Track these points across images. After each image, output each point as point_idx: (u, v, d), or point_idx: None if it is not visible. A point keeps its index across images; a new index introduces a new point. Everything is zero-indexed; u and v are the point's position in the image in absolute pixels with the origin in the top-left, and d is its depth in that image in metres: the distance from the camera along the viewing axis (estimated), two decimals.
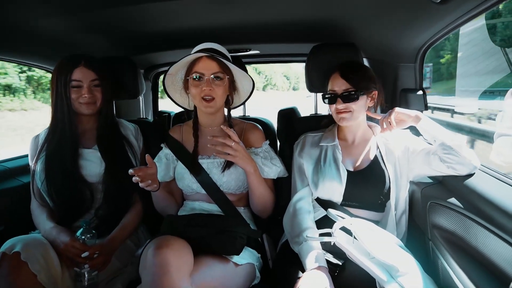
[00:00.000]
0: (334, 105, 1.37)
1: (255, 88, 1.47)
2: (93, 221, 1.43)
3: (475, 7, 1.09)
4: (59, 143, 1.43)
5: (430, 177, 1.36)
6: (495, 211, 0.95)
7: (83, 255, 1.25)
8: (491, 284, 0.92)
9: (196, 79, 1.34)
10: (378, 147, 1.42)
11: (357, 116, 1.37)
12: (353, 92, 1.34)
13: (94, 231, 1.31)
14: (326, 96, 1.39)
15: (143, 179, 1.21)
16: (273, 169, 1.44)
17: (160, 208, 1.49)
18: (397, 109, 1.33)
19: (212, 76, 1.33)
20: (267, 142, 1.50)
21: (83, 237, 1.28)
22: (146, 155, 1.27)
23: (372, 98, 1.41)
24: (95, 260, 1.28)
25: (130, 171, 1.18)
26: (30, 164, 1.50)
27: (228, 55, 1.43)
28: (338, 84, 1.36)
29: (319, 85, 1.65)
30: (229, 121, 1.48)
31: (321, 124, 1.57)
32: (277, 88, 28.56)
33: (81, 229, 1.29)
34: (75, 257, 1.26)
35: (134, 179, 1.19)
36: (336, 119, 1.40)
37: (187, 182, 1.43)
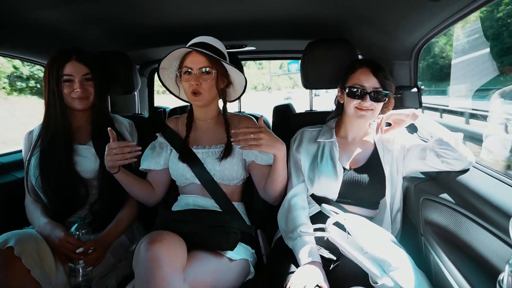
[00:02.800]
0: (358, 101, 1.33)
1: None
2: (87, 217, 1.43)
3: (469, 4, 1.10)
4: (53, 139, 1.42)
5: (423, 173, 1.37)
6: (486, 206, 0.96)
7: (78, 250, 1.25)
8: (481, 278, 0.93)
9: (185, 73, 1.35)
10: (375, 145, 1.42)
11: (375, 115, 1.36)
12: (383, 93, 1.32)
13: (89, 227, 1.31)
14: (353, 90, 1.34)
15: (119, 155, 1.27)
16: (270, 155, 1.40)
17: (136, 196, 1.48)
18: (390, 112, 1.34)
19: (199, 70, 1.33)
20: None
21: (78, 232, 1.28)
22: (108, 128, 1.31)
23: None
24: (90, 255, 1.28)
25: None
26: (24, 160, 1.49)
27: (223, 47, 1.43)
28: (369, 81, 1.33)
29: (315, 82, 1.66)
30: (224, 114, 1.48)
31: (327, 119, 1.54)
32: (299, 87, 42.47)
33: (76, 224, 1.29)
34: (70, 252, 1.25)
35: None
36: (354, 115, 1.36)
37: (181, 170, 1.42)
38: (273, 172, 1.34)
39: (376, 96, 1.32)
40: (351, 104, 1.35)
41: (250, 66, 36.18)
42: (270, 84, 37.65)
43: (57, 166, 1.41)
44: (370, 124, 1.46)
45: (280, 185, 1.38)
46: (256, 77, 40.15)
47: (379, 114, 1.39)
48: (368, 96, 1.32)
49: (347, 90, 1.36)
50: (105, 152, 1.28)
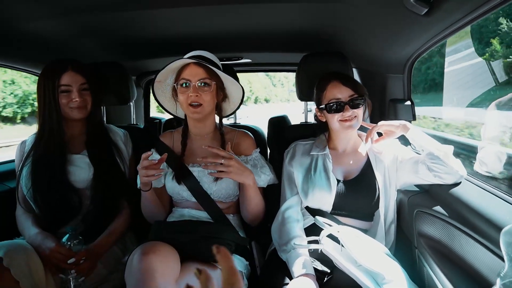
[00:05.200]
0: (340, 113, 1.34)
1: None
2: (79, 227, 1.41)
3: (460, 19, 1.11)
4: (47, 149, 1.41)
5: (417, 186, 1.37)
6: (478, 219, 0.97)
7: (69, 261, 1.23)
8: None
9: (183, 86, 1.34)
10: (368, 156, 1.43)
11: (360, 121, 1.37)
12: (360, 98, 1.34)
13: (80, 237, 1.29)
14: (331, 105, 1.35)
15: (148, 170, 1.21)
16: (262, 177, 1.42)
17: (148, 214, 1.45)
18: (380, 122, 1.34)
19: (198, 82, 1.33)
20: (258, 150, 1.49)
21: (69, 243, 1.26)
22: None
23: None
24: (81, 265, 1.26)
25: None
26: (16, 169, 1.48)
27: (219, 62, 1.43)
28: (342, 92, 1.34)
29: (310, 94, 1.68)
30: (220, 129, 1.48)
31: (316, 135, 1.55)
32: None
33: (67, 235, 1.27)
34: (61, 263, 1.24)
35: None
36: (342, 128, 1.37)
37: (177, 189, 1.41)
38: (245, 198, 1.36)
39: (354, 103, 1.34)
40: (334, 119, 1.37)
41: (277, 86, 58.19)
42: (289, 97, 57.11)
43: (50, 176, 1.40)
44: (360, 136, 1.48)
45: (254, 209, 1.39)
46: (281, 93, 59.09)
47: (369, 122, 1.41)
48: (347, 106, 1.33)
49: (325, 108, 1.38)
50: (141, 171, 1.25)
